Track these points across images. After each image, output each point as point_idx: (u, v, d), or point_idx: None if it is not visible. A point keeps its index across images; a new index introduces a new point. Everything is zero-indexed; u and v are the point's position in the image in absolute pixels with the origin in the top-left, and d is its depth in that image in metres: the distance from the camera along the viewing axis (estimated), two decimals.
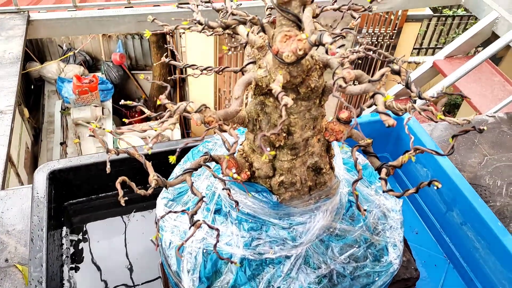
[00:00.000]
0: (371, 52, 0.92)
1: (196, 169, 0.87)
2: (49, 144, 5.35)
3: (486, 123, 1.91)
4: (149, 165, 0.81)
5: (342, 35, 0.94)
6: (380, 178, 0.83)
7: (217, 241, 0.82)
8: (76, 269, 1.29)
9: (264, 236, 1.00)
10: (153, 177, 0.78)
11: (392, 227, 1.12)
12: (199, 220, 0.79)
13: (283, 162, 0.92)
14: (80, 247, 1.35)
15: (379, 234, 1.09)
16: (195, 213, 0.79)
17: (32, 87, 6.12)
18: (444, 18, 7.68)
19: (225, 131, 0.75)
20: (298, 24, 0.71)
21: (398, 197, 0.81)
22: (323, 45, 0.66)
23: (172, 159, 0.72)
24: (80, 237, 1.39)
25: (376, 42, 5.76)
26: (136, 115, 6.52)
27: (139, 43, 6.60)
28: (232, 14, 0.93)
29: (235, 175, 0.83)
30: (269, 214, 0.99)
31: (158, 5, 2.69)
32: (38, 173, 1.30)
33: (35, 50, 6.15)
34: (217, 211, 1.06)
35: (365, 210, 1.05)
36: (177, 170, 1.20)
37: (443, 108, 6.60)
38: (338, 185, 1.04)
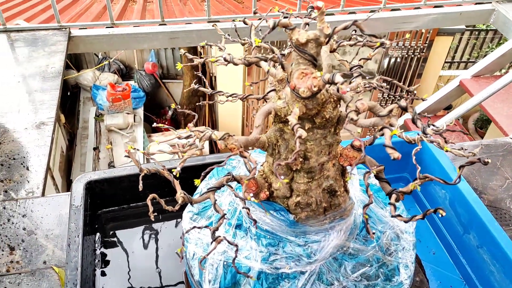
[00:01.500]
0: (386, 83, 0.98)
1: (219, 187, 0.95)
2: (83, 148, 5.57)
3: (510, 146, 1.91)
4: (176, 183, 0.89)
5: (359, 65, 1.01)
6: (389, 203, 0.88)
7: (236, 256, 0.90)
8: (107, 273, 1.39)
9: (281, 252, 1.07)
10: (180, 195, 0.87)
11: (405, 248, 1.16)
12: (220, 236, 0.86)
13: (299, 184, 0.99)
14: (111, 253, 1.46)
15: (391, 254, 1.14)
16: (217, 229, 0.87)
17: (69, 93, 6.40)
18: (477, 32, 7.55)
19: (245, 157, 0.83)
20: (313, 63, 0.79)
21: (406, 222, 0.87)
22: (335, 84, 0.73)
23: (197, 182, 0.80)
24: (112, 243, 1.49)
25: (407, 55, 5.74)
26: (166, 123, 6.71)
27: (171, 53, 6.81)
28: (257, 47, 1.01)
29: (253, 199, 0.90)
30: (286, 232, 1.06)
31: (190, 23, 2.81)
32: (76, 183, 1.41)
33: (72, 59, 6.44)
34: (238, 226, 1.14)
35: (373, 233, 1.10)
36: (202, 186, 1.29)
37: (475, 123, 6.47)
38: (352, 206, 1.10)
